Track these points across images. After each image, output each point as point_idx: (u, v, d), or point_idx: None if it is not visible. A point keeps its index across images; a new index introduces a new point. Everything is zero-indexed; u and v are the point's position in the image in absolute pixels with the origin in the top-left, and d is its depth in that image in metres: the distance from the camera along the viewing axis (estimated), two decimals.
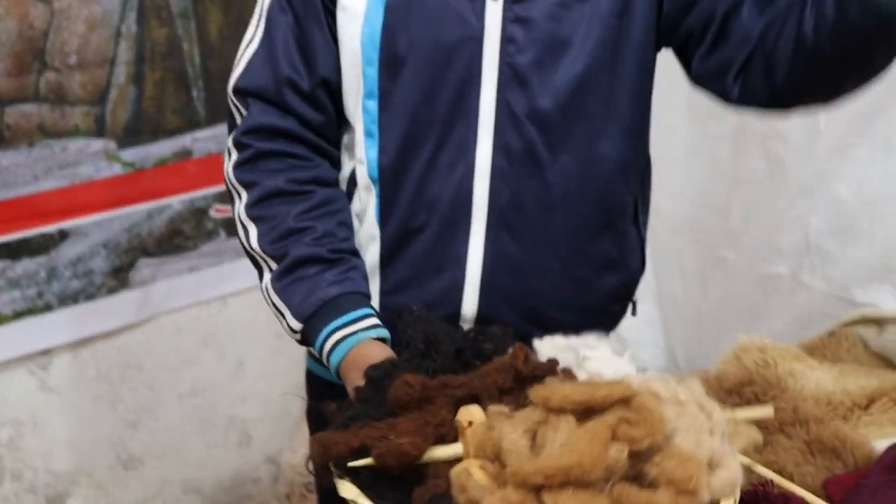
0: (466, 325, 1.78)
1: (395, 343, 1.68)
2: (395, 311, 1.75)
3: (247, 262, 2.90)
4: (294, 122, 1.76)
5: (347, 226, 1.78)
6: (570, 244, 1.77)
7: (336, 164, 1.82)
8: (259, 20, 1.79)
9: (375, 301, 1.80)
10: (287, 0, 1.76)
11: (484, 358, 1.54)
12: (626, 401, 1.30)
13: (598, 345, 1.60)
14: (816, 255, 2.82)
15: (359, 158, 1.77)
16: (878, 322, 1.94)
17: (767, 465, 1.55)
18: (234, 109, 1.80)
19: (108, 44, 2.67)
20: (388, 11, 1.70)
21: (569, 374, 1.50)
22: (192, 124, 2.82)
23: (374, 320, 1.70)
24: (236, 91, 1.78)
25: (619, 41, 1.72)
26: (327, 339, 1.68)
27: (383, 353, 1.62)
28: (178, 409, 2.98)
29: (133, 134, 2.73)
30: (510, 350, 1.52)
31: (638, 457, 1.26)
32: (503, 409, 1.36)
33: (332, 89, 1.77)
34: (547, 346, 1.60)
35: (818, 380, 1.77)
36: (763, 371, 1.80)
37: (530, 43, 1.69)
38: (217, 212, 2.91)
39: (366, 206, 1.79)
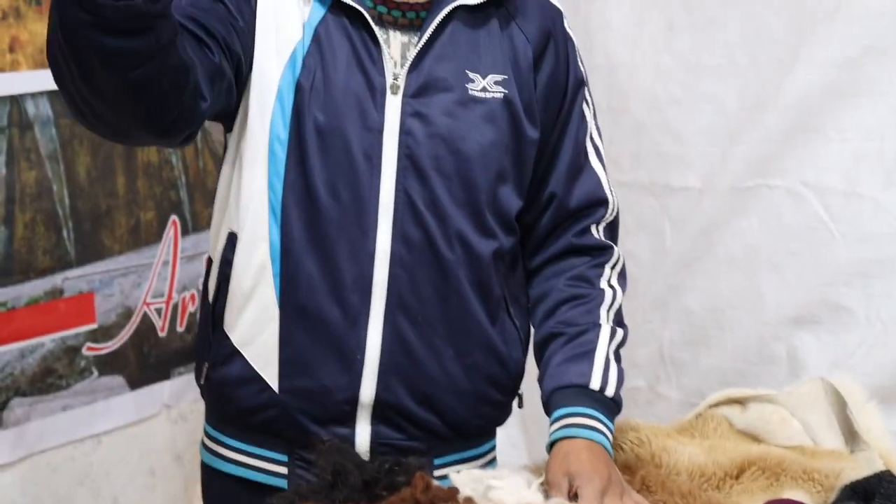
0: (364, 410, 1.85)
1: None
2: (295, 394, 1.82)
3: (120, 401, 2.94)
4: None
5: None
6: (461, 331, 1.88)
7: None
8: None
9: (274, 383, 1.85)
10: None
11: (396, 490, 1.55)
12: None
13: (508, 476, 1.68)
14: (671, 365, 2.98)
15: (261, 236, 1.83)
16: (741, 401, 2.07)
17: None
18: None
19: None
20: (298, 94, 1.80)
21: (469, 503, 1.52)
22: (62, 264, 2.85)
23: None
24: None
25: (506, 143, 1.87)
26: None
27: None
28: None
29: (5, 274, 2.75)
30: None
31: None
32: None
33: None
34: (462, 478, 1.67)
35: (690, 454, 1.88)
36: (638, 449, 1.90)
37: (427, 137, 1.81)
38: (89, 350, 2.92)
39: (257, 283, 1.84)
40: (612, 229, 2.03)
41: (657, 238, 2.95)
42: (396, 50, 1.85)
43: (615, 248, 2.02)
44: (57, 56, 1.53)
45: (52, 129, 2.81)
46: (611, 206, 2.00)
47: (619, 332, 1.94)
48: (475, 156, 1.85)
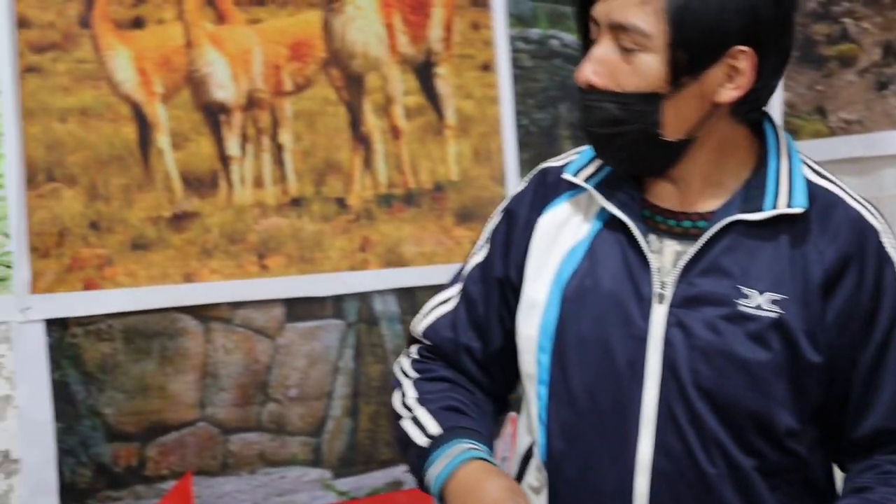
0: None
1: None
2: None
3: None
4: (465, 379, 1.89)
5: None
6: None
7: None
8: (459, 284, 1.95)
9: None
10: (482, 281, 1.91)
11: None
12: None
13: None
14: None
15: (535, 440, 1.83)
16: None
17: None
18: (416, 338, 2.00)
19: (327, 378, 2.88)
20: (564, 304, 1.79)
21: None
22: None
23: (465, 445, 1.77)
24: (424, 335, 1.95)
25: (779, 365, 1.71)
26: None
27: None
28: None
29: (348, 464, 2.85)
30: None
31: None
32: None
33: (501, 365, 1.89)
34: None
35: None
36: None
37: (688, 349, 1.71)
38: None
39: (542, 485, 1.83)
40: None
41: None
42: (669, 258, 1.77)
43: None
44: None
45: (398, 325, 2.90)
46: None
47: None
48: (736, 374, 1.69)
